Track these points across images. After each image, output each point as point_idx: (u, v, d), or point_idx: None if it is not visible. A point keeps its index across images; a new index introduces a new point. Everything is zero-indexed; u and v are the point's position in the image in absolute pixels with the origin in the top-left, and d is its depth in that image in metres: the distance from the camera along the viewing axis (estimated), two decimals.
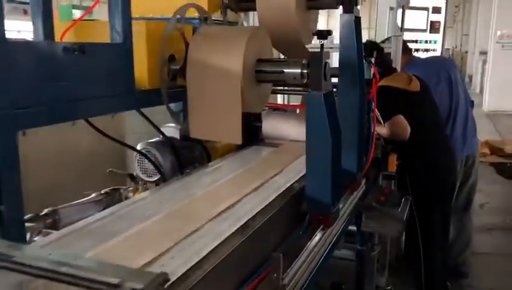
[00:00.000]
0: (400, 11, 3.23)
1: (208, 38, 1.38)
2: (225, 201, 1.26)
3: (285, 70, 1.38)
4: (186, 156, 1.82)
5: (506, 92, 10.10)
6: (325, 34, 1.34)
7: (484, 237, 3.93)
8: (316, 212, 1.39)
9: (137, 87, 1.36)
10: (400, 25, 3.20)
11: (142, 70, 1.37)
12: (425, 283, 2.75)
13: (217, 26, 1.56)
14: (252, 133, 2.18)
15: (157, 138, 1.80)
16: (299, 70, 1.36)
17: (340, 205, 1.56)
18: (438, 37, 3.66)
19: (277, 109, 2.30)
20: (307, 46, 1.78)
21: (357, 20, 1.69)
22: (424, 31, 3.55)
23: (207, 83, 1.37)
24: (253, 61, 1.39)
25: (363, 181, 1.92)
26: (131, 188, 1.76)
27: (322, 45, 1.39)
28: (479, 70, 14.35)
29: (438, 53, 3.74)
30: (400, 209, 1.91)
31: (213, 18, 1.80)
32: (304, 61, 1.36)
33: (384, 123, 2.48)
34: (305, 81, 1.36)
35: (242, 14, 1.82)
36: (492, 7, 10.20)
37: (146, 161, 1.74)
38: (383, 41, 3.15)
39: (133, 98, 1.36)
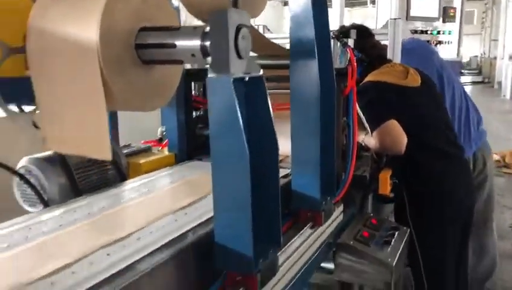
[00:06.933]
0: None
1: None
2: None
3: (178, 42, 0.87)
4: (88, 177, 1.33)
5: None
6: None
7: None
8: (232, 271, 0.87)
9: None
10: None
11: None
12: None
13: None
14: (198, 144, 1.66)
15: (47, 153, 1.31)
16: (198, 43, 0.85)
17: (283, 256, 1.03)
18: (454, 26, 3.04)
19: None
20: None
21: None
22: (435, 19, 2.94)
23: (56, 66, 0.86)
24: (128, 31, 0.88)
25: (338, 209, 1.37)
26: None
27: None
28: (509, 75, 13.86)
29: (454, 47, 3.12)
30: (389, 249, 1.36)
31: None
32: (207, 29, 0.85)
33: (371, 132, 1.82)
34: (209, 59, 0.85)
35: None
36: None
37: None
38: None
39: None
